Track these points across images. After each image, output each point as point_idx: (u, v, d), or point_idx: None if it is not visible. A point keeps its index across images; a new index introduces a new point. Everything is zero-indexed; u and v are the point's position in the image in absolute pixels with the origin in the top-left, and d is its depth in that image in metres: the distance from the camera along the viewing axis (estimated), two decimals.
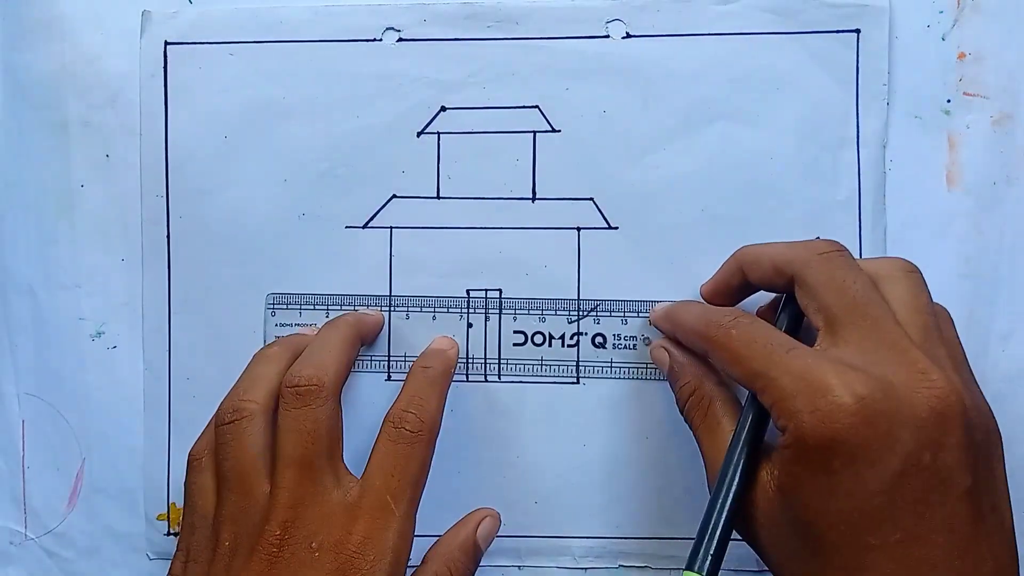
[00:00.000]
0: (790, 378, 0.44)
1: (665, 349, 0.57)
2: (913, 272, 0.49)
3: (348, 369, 0.55)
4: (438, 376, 0.56)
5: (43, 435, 0.64)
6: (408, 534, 0.50)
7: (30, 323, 0.64)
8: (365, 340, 0.60)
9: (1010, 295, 0.60)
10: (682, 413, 0.55)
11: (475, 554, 0.55)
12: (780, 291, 0.53)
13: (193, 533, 0.52)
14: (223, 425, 0.52)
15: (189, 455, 0.55)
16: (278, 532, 0.48)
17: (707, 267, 0.58)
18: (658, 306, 0.59)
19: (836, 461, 0.42)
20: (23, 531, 0.65)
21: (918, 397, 0.42)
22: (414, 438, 0.51)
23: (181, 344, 0.63)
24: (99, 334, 0.64)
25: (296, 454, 0.50)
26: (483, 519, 0.56)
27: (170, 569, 0.53)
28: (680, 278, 0.60)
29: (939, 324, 0.48)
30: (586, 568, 0.61)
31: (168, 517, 0.63)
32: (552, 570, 0.61)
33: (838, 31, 0.60)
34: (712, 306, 0.55)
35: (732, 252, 0.55)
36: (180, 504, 0.62)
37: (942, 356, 0.46)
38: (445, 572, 0.53)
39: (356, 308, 0.61)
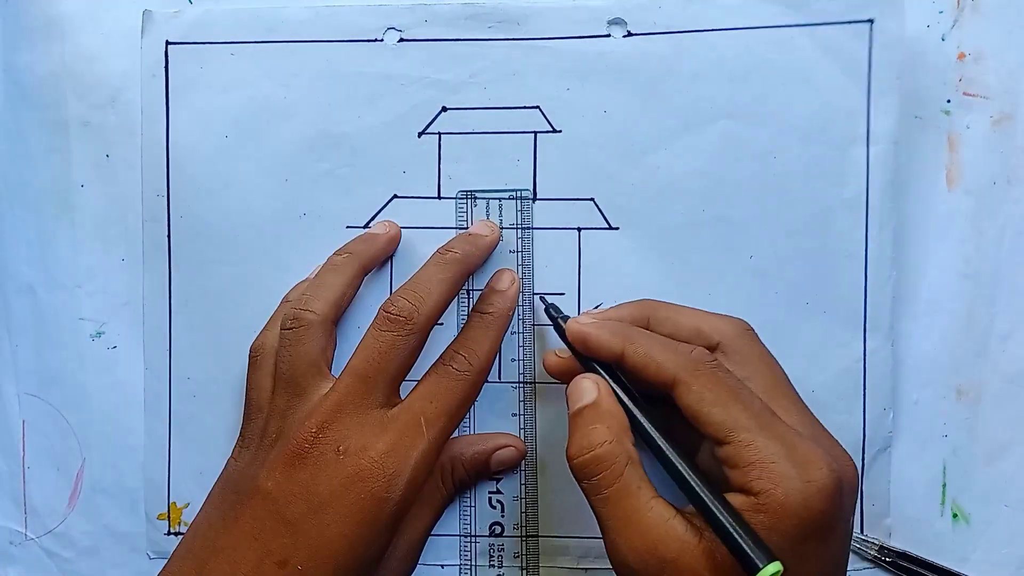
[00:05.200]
0: (776, 443, 0.46)
1: (596, 383, 0.52)
2: (749, 331, 0.54)
3: (445, 307, 0.56)
4: (493, 320, 0.58)
5: (43, 435, 0.64)
6: (430, 460, 0.52)
7: (30, 323, 0.64)
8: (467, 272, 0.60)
9: (1010, 295, 0.60)
10: (580, 465, 0.50)
11: (483, 469, 0.61)
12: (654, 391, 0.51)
13: (249, 423, 0.56)
14: (284, 330, 0.55)
15: (250, 349, 0.58)
16: (314, 430, 0.51)
17: (708, 268, 0.59)
18: (578, 326, 0.54)
19: (815, 531, 0.45)
20: (23, 531, 0.65)
21: (842, 475, 0.46)
22: (459, 375, 0.54)
23: (181, 344, 0.63)
24: (99, 334, 0.64)
25: (360, 367, 0.53)
26: (506, 446, 0.61)
27: (231, 454, 0.56)
28: (681, 279, 0.60)
29: (788, 384, 0.53)
30: (586, 569, 0.61)
31: (168, 517, 0.63)
32: (552, 570, 0.61)
33: (850, 21, 0.59)
34: (676, 341, 0.52)
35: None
36: (180, 503, 0.63)
37: (820, 432, 0.51)
38: (447, 466, 0.60)
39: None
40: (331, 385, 0.53)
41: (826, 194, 0.60)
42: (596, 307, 0.60)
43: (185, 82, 0.62)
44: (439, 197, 0.61)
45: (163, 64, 0.62)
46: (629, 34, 0.60)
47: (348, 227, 0.62)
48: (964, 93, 0.60)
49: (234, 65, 0.62)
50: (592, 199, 0.60)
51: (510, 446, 0.60)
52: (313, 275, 0.59)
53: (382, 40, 0.61)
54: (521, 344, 0.61)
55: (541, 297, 0.60)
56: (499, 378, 0.61)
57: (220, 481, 0.55)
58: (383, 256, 0.61)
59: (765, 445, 0.46)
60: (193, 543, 0.53)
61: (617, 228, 0.60)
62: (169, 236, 0.62)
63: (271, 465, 0.51)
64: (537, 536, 0.61)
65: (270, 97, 0.62)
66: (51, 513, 0.64)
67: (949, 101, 0.60)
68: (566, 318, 0.56)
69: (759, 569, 0.42)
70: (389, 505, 0.50)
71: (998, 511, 0.60)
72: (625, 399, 0.52)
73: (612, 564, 0.48)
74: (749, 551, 0.43)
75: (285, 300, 0.59)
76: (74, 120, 0.63)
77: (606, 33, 0.60)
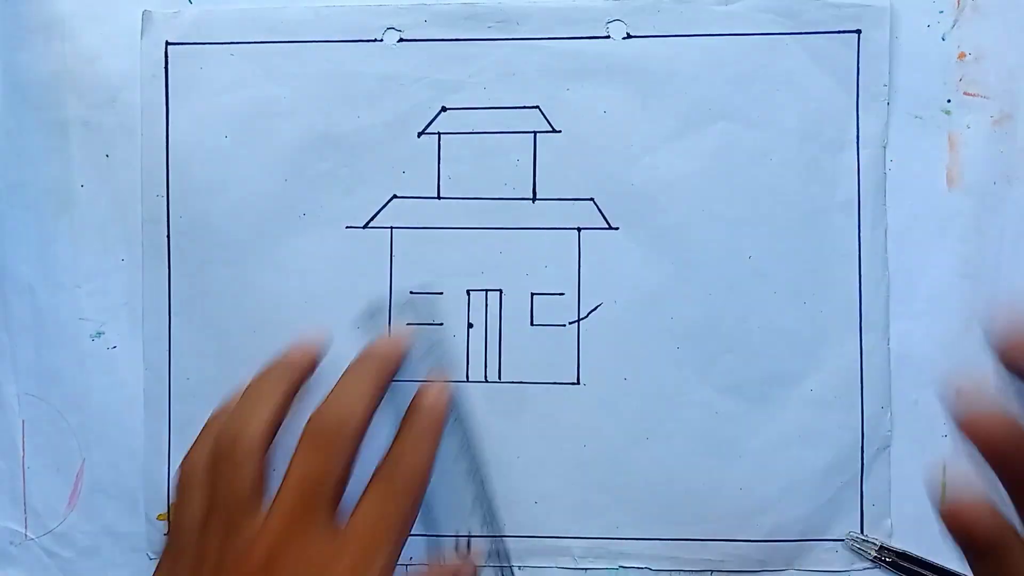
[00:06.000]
0: None
1: None
2: None
3: (374, 411, 0.52)
4: (433, 425, 0.54)
5: (43, 435, 0.64)
6: None
7: (30, 323, 0.64)
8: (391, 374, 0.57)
9: (1010, 295, 0.60)
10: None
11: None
12: None
13: (179, 543, 0.51)
14: (221, 452, 0.51)
15: (181, 467, 0.53)
16: (264, 561, 0.47)
17: (707, 268, 0.59)
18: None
19: None
20: (23, 531, 0.65)
21: None
22: (404, 489, 0.51)
23: (181, 344, 0.63)
24: (99, 334, 0.64)
25: (297, 495, 0.49)
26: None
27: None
28: (681, 279, 0.60)
29: None
30: (586, 569, 0.61)
31: (168, 517, 0.63)
32: (552, 570, 0.61)
33: (839, 32, 0.60)
34: None
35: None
36: None
37: None
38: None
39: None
40: (270, 512, 0.49)
41: (820, 196, 0.60)
42: (598, 306, 0.60)
43: (185, 82, 0.62)
44: (439, 197, 0.61)
45: (163, 64, 0.62)
46: (628, 36, 0.60)
47: (348, 227, 0.62)
48: (964, 93, 0.60)
49: (234, 65, 0.62)
50: (592, 199, 0.60)
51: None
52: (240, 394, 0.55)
53: (382, 40, 0.61)
54: (519, 343, 0.61)
55: None
56: (499, 378, 0.61)
57: None
58: (311, 368, 0.56)
59: None
60: None
61: (617, 228, 0.60)
62: (169, 236, 0.63)
63: None
64: (531, 536, 0.61)
65: (270, 97, 0.62)
66: (51, 513, 0.64)
67: (949, 101, 0.60)
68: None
69: None
70: None
71: None
72: None
73: None
74: None
75: (213, 419, 0.55)
76: (74, 120, 0.63)
77: (605, 34, 0.60)
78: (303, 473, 0.49)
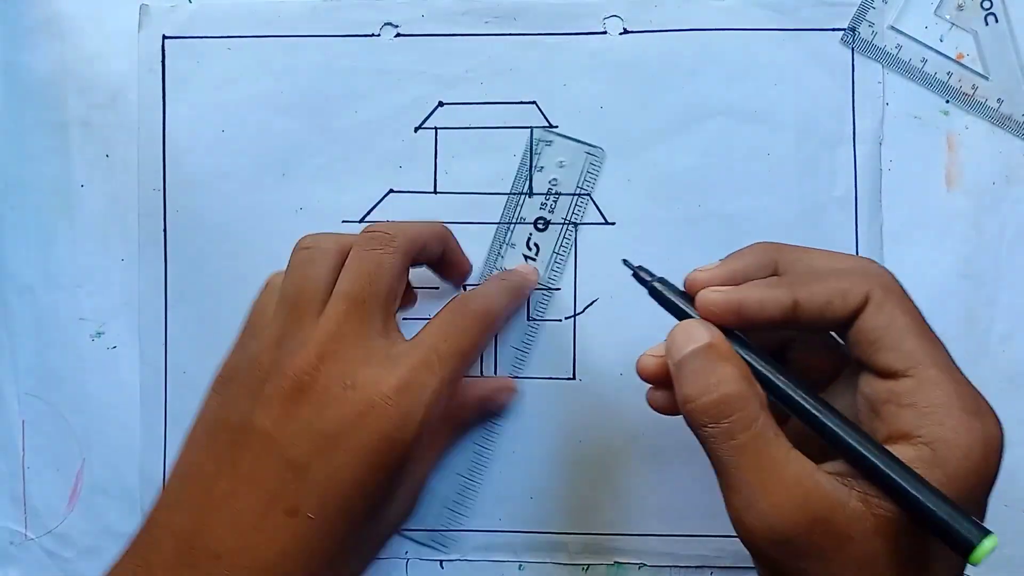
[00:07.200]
0: (959, 386, 0.41)
1: (707, 327, 0.45)
2: (895, 280, 0.45)
3: (426, 240, 0.53)
4: (512, 283, 0.57)
5: (43, 435, 0.64)
6: (443, 400, 0.48)
7: (30, 323, 0.64)
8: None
9: (1010, 295, 0.60)
10: (705, 406, 0.42)
11: (486, 413, 0.61)
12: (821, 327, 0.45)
13: (240, 350, 0.51)
14: (297, 251, 0.51)
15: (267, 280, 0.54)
16: (315, 361, 0.47)
17: (704, 263, 0.59)
18: (722, 295, 0.46)
19: (985, 491, 0.42)
20: (23, 531, 0.65)
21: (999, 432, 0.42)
22: (474, 314, 0.51)
23: (177, 337, 0.63)
24: (99, 334, 0.64)
25: (350, 289, 0.49)
26: (505, 387, 0.61)
27: (211, 387, 0.51)
28: (677, 275, 0.59)
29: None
30: (581, 564, 0.61)
31: None
32: (548, 566, 0.61)
33: (833, 29, 0.60)
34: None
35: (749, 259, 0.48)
36: None
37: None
38: (455, 410, 0.58)
39: None
40: (324, 312, 0.49)
41: (818, 191, 0.60)
42: (594, 301, 0.60)
43: (182, 77, 0.63)
44: (435, 192, 0.62)
45: (160, 59, 0.63)
46: (625, 31, 0.60)
47: (344, 221, 0.62)
48: (964, 93, 0.60)
49: (231, 60, 0.62)
50: (589, 194, 0.61)
51: (507, 387, 0.60)
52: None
53: (379, 35, 0.62)
54: (515, 339, 0.62)
55: (626, 261, 0.53)
56: (495, 373, 0.61)
57: (203, 420, 0.50)
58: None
59: (951, 386, 0.41)
60: (183, 492, 0.48)
61: (614, 223, 0.61)
62: (165, 230, 0.63)
63: (267, 401, 0.46)
64: (526, 531, 0.61)
65: (267, 91, 0.62)
66: (51, 513, 0.64)
67: (948, 102, 0.60)
68: (665, 283, 0.50)
69: (974, 547, 0.37)
70: (400, 447, 0.46)
71: (998, 511, 0.59)
72: (743, 352, 0.44)
73: (742, 529, 0.43)
74: (958, 527, 0.37)
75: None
76: (74, 120, 0.64)
77: (602, 29, 0.61)
78: (354, 275, 0.49)
